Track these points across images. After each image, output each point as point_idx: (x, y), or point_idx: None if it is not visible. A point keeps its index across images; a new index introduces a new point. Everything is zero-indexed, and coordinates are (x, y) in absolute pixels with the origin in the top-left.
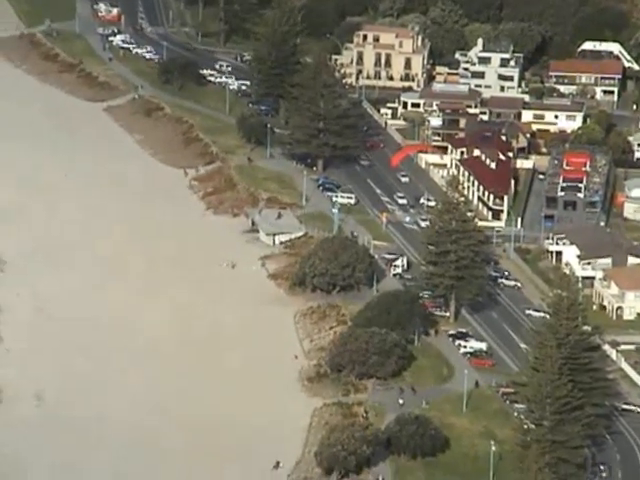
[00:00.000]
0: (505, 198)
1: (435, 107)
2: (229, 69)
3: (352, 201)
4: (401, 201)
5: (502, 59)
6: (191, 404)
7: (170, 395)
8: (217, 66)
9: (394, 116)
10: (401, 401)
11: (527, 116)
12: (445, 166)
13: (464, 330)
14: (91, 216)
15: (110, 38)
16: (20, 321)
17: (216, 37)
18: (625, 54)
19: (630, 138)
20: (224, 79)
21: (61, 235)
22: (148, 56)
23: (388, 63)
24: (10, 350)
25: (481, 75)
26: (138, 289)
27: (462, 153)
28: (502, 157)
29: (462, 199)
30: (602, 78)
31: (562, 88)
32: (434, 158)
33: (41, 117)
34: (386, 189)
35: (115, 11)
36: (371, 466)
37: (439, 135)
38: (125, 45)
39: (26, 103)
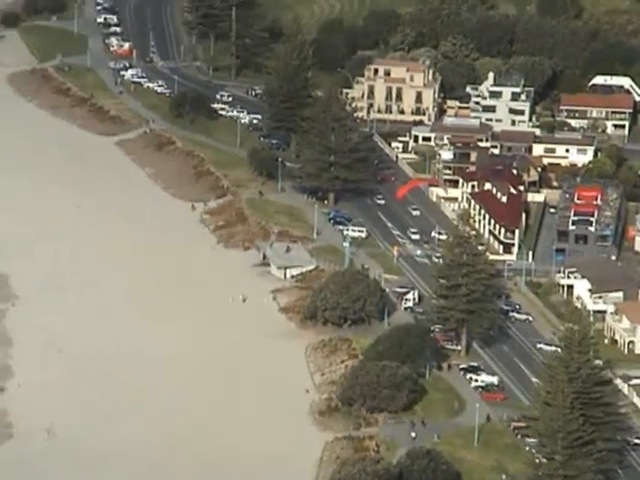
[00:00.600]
0: (516, 232)
1: (446, 141)
2: (230, 99)
3: (363, 234)
4: (414, 237)
5: (513, 93)
6: (202, 437)
7: (180, 427)
8: (218, 96)
9: (405, 150)
10: (413, 434)
11: (538, 150)
12: (456, 199)
13: (475, 364)
14: (102, 249)
15: (122, 72)
16: (31, 355)
17: (227, 71)
18: (636, 88)
19: None
20: (235, 113)
21: (72, 267)
22: (159, 90)
23: (399, 97)
24: (21, 385)
25: (492, 109)
26: (149, 322)
27: (473, 187)
28: (513, 191)
29: (473, 232)
30: (613, 112)
31: (573, 122)
32: (444, 192)
33: (53, 151)
34: (397, 223)
35: (127, 45)
36: None
37: (450, 169)
38: (136, 79)
39: (38, 137)
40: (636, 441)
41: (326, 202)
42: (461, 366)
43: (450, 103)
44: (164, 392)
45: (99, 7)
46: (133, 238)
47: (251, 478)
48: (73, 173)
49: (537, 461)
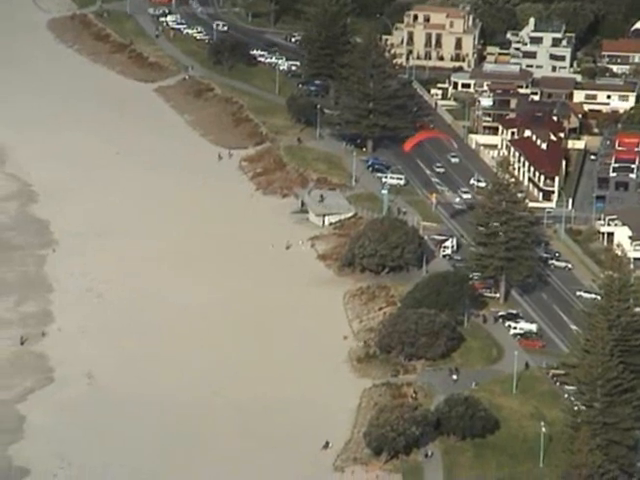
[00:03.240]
0: (556, 179)
1: (486, 87)
2: (225, 28)
3: (402, 182)
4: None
5: (554, 39)
6: (241, 385)
7: (220, 375)
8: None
9: (444, 96)
10: (455, 377)
11: (579, 96)
12: (495, 147)
13: (514, 311)
14: (142, 196)
15: (161, 19)
16: (71, 301)
17: (266, 17)
18: None
19: None
20: (274, 59)
21: (112, 215)
22: (199, 36)
23: (439, 43)
24: (62, 329)
25: (533, 55)
26: (188, 269)
27: (513, 134)
28: (553, 138)
29: (512, 180)
30: None
31: (615, 68)
32: (485, 139)
33: (92, 97)
34: (436, 170)
35: None
36: (420, 447)
37: (490, 115)
38: (176, 26)
39: (78, 83)
40: None
41: (364, 149)
42: (500, 313)
43: (490, 49)
44: (203, 339)
45: None
46: (172, 185)
47: (289, 423)
48: (112, 120)
49: (576, 408)
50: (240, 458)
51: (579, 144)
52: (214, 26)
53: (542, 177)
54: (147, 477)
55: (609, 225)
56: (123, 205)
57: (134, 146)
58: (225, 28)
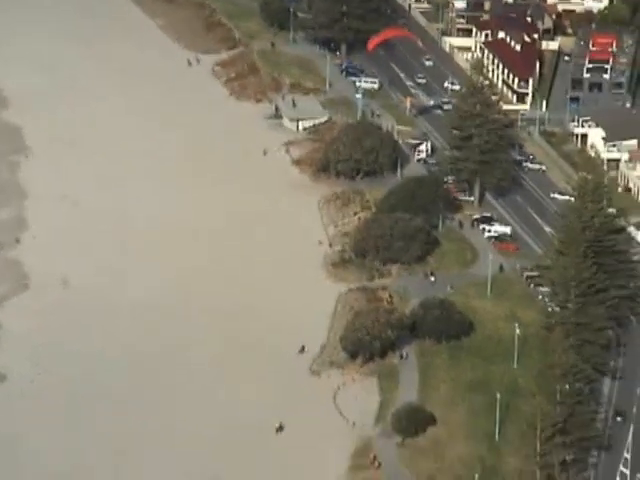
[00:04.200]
0: (530, 81)
1: None
2: None
3: (375, 86)
4: (420, 81)
5: None
6: (216, 290)
7: (195, 282)
8: None
9: None
10: (432, 279)
11: None
12: (469, 49)
13: (488, 214)
14: (114, 103)
15: None
16: (46, 207)
17: None
18: None
19: None
20: None
21: (84, 121)
22: None
23: None
24: (36, 236)
25: None
26: (163, 177)
27: (487, 36)
28: (527, 39)
29: (486, 82)
30: None
31: None
32: (459, 41)
33: (65, 3)
34: (410, 73)
35: None
36: (396, 350)
37: (463, 17)
38: None
39: None
40: None
41: (338, 53)
42: (474, 217)
43: None
44: (178, 247)
45: None
46: (144, 91)
47: (265, 328)
48: (84, 25)
49: (550, 309)
50: (215, 362)
51: (553, 45)
52: None
53: (516, 79)
54: (124, 384)
55: (583, 126)
56: (97, 113)
57: (105, 51)
58: None
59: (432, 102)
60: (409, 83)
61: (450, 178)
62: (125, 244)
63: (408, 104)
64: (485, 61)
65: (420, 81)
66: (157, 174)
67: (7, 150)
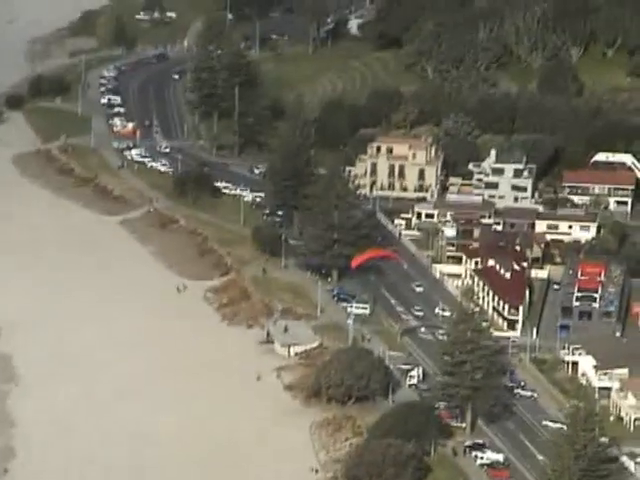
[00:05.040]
0: (520, 308)
1: (449, 217)
2: (167, 150)
3: (367, 311)
4: (418, 313)
5: (515, 170)
6: None
7: None
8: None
9: (408, 226)
10: None
11: (541, 226)
12: (459, 276)
13: (481, 441)
14: (105, 329)
15: (125, 152)
16: (35, 435)
17: (230, 149)
18: (638, 165)
19: None
20: (239, 191)
21: (76, 349)
22: (163, 169)
23: (402, 174)
24: (24, 465)
25: (495, 186)
26: (153, 401)
27: (476, 263)
28: (517, 267)
29: (477, 309)
30: (615, 189)
31: (576, 198)
32: (449, 268)
33: (56, 232)
34: (401, 299)
35: (130, 126)
36: None
37: (453, 245)
38: (140, 159)
39: (41, 218)
40: None
41: (329, 279)
42: (466, 443)
43: (453, 180)
44: (171, 473)
45: (103, 88)
46: (136, 318)
47: None
48: (77, 253)
49: None
50: None
51: (542, 273)
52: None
53: (506, 306)
54: None
55: (573, 354)
56: (88, 338)
57: (99, 279)
58: (167, 149)
59: (423, 329)
60: (399, 309)
61: (442, 404)
62: (116, 470)
63: (399, 329)
64: (475, 288)
65: (418, 313)
66: (148, 398)
67: None
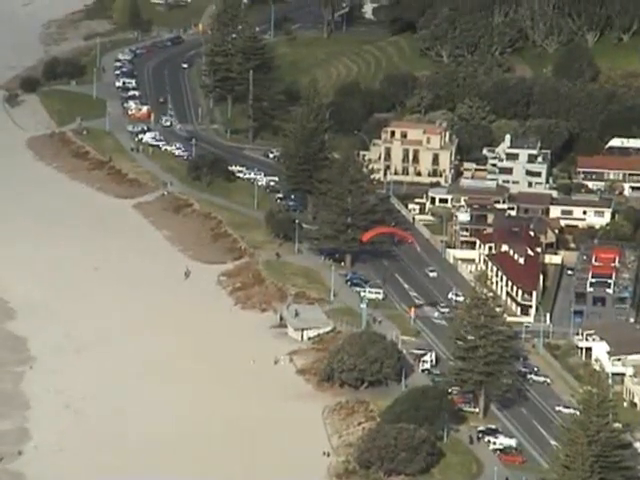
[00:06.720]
0: (534, 293)
1: (463, 202)
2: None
3: (380, 296)
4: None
5: (530, 155)
6: None
7: None
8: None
9: (422, 211)
10: None
11: (555, 212)
12: (473, 261)
13: (493, 426)
14: (119, 312)
15: (140, 136)
16: (48, 417)
17: (245, 133)
18: None
19: None
20: (253, 175)
21: (89, 330)
22: (177, 153)
23: (416, 159)
24: (38, 447)
25: (509, 171)
26: (166, 384)
27: (490, 248)
28: (530, 252)
29: (490, 294)
30: (630, 174)
31: (590, 184)
32: (463, 253)
33: (71, 214)
34: (414, 284)
35: (145, 109)
36: None
37: (467, 230)
38: (155, 142)
39: (56, 201)
40: None
41: (343, 264)
42: (479, 428)
43: (467, 165)
44: (183, 456)
45: (118, 72)
46: (150, 302)
47: None
48: (91, 236)
49: None
50: None
51: (556, 259)
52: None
53: (520, 291)
54: None
55: (587, 340)
56: (102, 321)
57: (112, 262)
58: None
59: (437, 313)
60: (413, 294)
61: (454, 389)
62: (128, 453)
63: (412, 314)
64: (489, 273)
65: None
66: (160, 380)
67: (12, 361)
